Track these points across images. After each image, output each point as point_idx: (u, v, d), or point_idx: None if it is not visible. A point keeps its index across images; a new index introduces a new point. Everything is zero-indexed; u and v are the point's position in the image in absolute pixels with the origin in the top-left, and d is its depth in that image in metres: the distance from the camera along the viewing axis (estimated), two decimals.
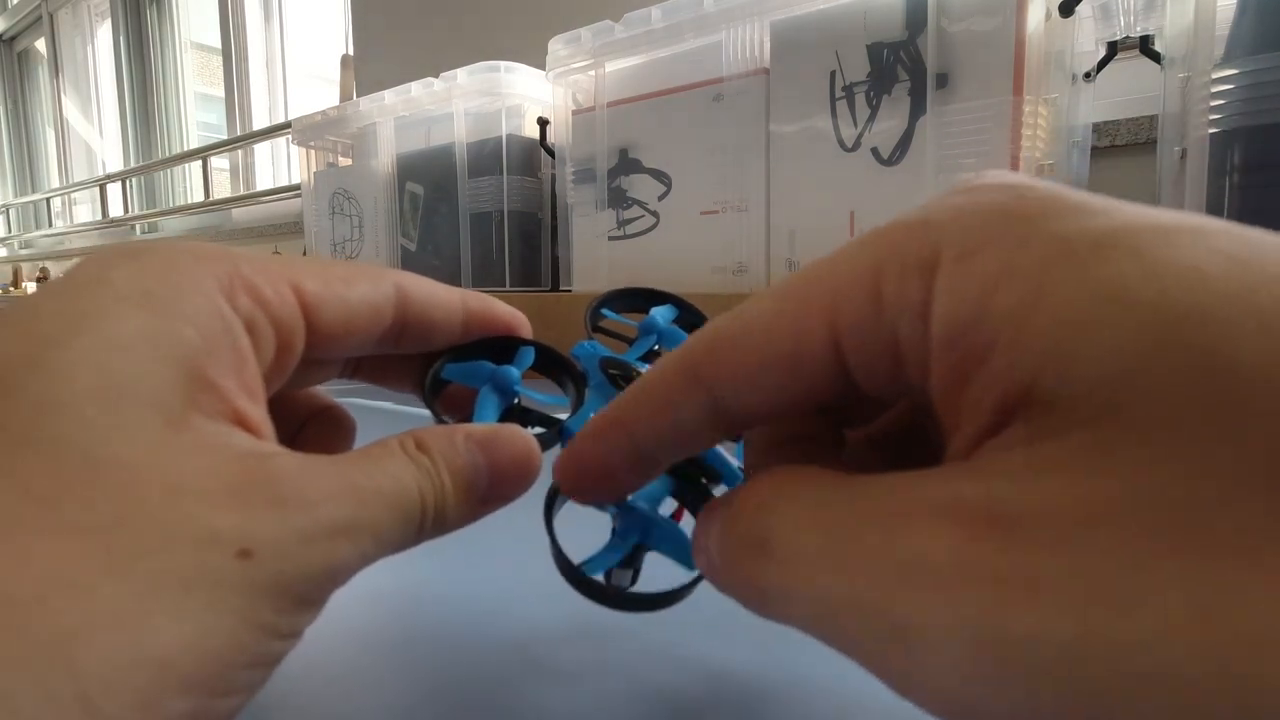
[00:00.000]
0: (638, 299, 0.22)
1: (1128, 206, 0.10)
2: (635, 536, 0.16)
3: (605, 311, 0.22)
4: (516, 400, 0.18)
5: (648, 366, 0.20)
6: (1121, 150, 0.68)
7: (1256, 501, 0.07)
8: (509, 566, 0.26)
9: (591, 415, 0.18)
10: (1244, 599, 0.07)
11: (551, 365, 0.20)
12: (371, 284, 0.17)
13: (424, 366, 0.18)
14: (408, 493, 0.14)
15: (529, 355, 0.19)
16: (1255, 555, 0.07)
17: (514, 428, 0.16)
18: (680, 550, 0.16)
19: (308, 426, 0.19)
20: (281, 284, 0.15)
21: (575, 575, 0.16)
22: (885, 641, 0.09)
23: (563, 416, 0.18)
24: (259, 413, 0.14)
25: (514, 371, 0.18)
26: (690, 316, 0.22)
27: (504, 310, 0.19)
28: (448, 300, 0.18)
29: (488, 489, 0.15)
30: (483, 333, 0.19)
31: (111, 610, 0.10)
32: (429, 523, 0.14)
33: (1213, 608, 0.07)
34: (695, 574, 0.16)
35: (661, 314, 0.22)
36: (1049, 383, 0.09)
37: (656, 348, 0.21)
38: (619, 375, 0.20)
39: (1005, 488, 0.09)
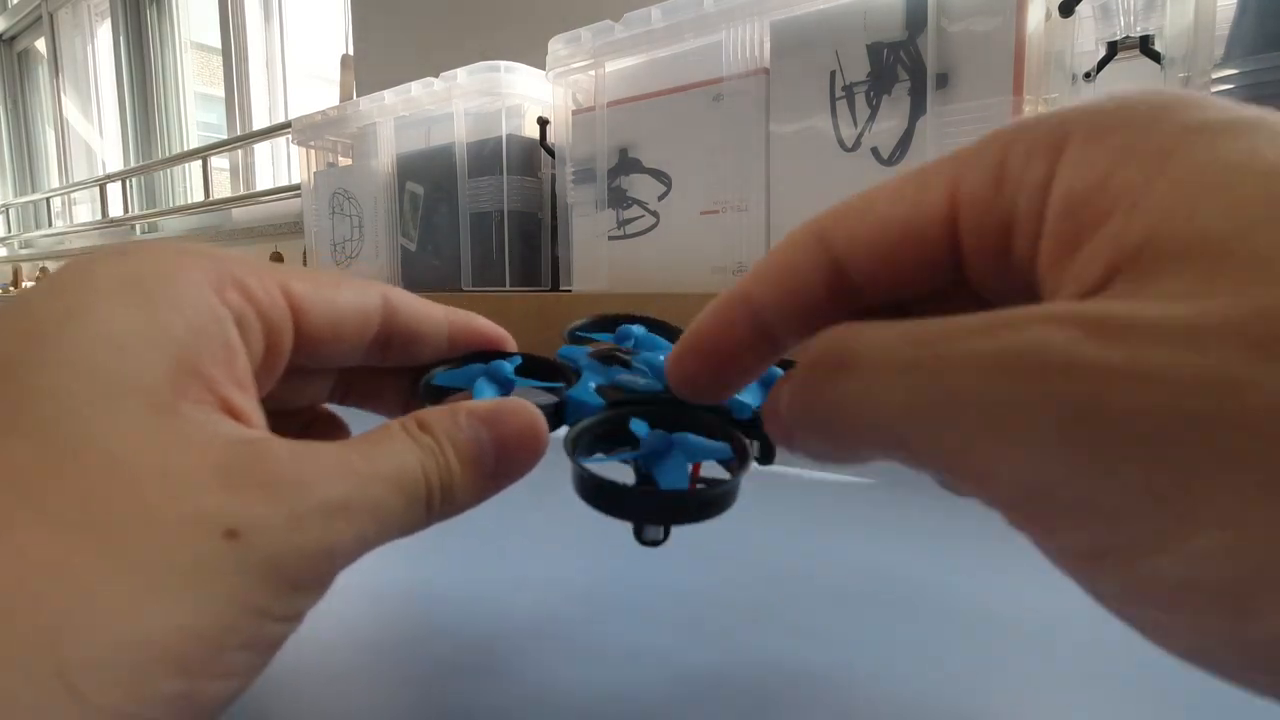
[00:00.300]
0: (608, 322, 0.23)
1: (1259, 108, 0.10)
2: (660, 448, 0.16)
3: (579, 334, 0.23)
4: (513, 391, 0.18)
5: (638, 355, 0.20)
6: None
7: None
8: (508, 566, 0.26)
9: (591, 385, 0.18)
10: None
11: (541, 370, 0.20)
12: (358, 291, 0.17)
13: (414, 381, 0.18)
14: (410, 472, 0.14)
15: (517, 364, 0.19)
16: None
17: (518, 400, 0.16)
18: (708, 451, 0.16)
19: (306, 434, 0.19)
20: (270, 284, 0.15)
21: (614, 491, 0.15)
22: (976, 434, 0.09)
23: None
24: (249, 403, 0.14)
25: (507, 365, 0.18)
26: (663, 331, 0.22)
27: (487, 324, 0.20)
28: (433, 312, 0.19)
29: (495, 464, 0.15)
30: (469, 346, 0.19)
31: (96, 594, 0.10)
32: (437, 502, 0.14)
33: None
34: (732, 476, 0.16)
35: (634, 328, 0.22)
36: (1165, 235, 0.09)
37: (632, 344, 0.21)
38: (608, 354, 0.20)
39: (1119, 305, 0.09)
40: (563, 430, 0.18)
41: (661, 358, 0.21)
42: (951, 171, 0.12)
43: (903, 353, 0.10)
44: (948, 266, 0.12)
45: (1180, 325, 0.08)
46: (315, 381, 0.19)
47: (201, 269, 0.14)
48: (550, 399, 0.18)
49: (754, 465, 0.17)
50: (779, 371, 0.18)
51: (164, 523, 0.11)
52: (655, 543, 0.17)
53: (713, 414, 0.17)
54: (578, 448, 0.17)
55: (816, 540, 0.29)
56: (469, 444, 0.15)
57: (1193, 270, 0.09)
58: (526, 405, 0.16)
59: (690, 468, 0.17)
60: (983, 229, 0.11)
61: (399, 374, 0.19)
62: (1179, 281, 0.09)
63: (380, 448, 0.14)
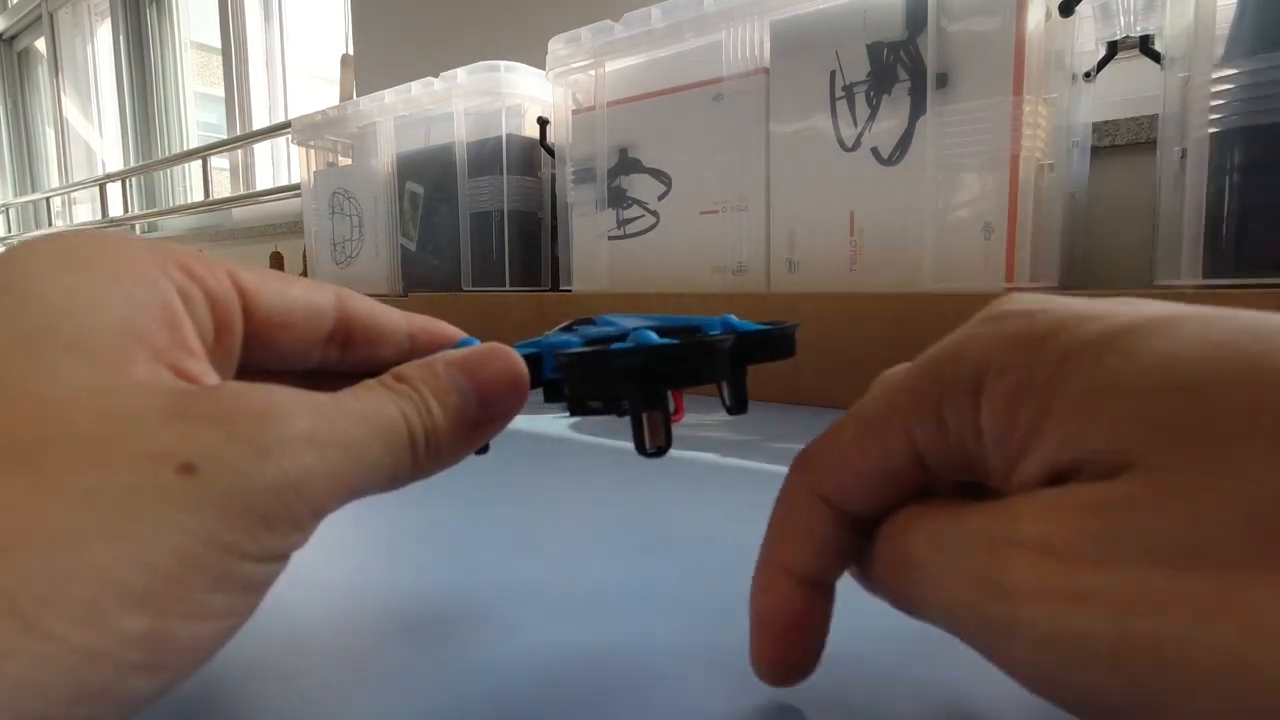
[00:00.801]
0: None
1: (1121, 307, 0.12)
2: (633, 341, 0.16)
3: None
4: None
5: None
6: (1121, 150, 0.68)
7: (1233, 532, 0.09)
8: (509, 566, 0.26)
9: (559, 339, 0.18)
10: (1237, 604, 0.09)
11: None
12: (309, 286, 0.17)
13: None
14: (387, 416, 0.14)
15: None
16: (1240, 572, 0.09)
17: (495, 344, 0.16)
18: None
19: None
20: (216, 268, 0.15)
21: (605, 355, 0.16)
22: (988, 635, 0.12)
23: None
24: (202, 367, 0.13)
25: (477, 342, 0.18)
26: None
27: (451, 327, 0.20)
28: (391, 313, 0.18)
29: (479, 411, 0.15)
30: (431, 347, 0.19)
31: (42, 527, 0.10)
32: (422, 448, 0.14)
33: (1217, 611, 0.09)
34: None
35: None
36: (1067, 459, 0.11)
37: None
38: (570, 325, 0.20)
39: (1055, 526, 0.11)
40: (546, 411, 0.18)
41: (620, 320, 0.22)
42: (904, 423, 0.14)
43: (938, 562, 0.13)
44: (929, 481, 0.14)
45: (1098, 548, 0.10)
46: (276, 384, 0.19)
47: (142, 249, 0.14)
48: (528, 352, 0.18)
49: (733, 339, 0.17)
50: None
51: (110, 460, 0.11)
52: (660, 450, 0.17)
53: (686, 333, 0.18)
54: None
55: None
56: (448, 390, 0.15)
57: (1091, 485, 0.11)
58: (504, 348, 0.16)
59: (672, 397, 0.17)
60: (945, 461, 0.14)
61: (363, 379, 0.19)
62: (1085, 493, 0.11)
63: (352, 393, 0.14)
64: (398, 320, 0.18)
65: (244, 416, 0.12)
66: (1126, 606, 0.10)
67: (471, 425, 0.15)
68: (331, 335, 0.17)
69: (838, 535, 0.15)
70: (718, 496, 0.35)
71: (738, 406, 0.19)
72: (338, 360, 0.18)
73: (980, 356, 0.13)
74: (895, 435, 0.14)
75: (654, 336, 0.17)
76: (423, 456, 0.14)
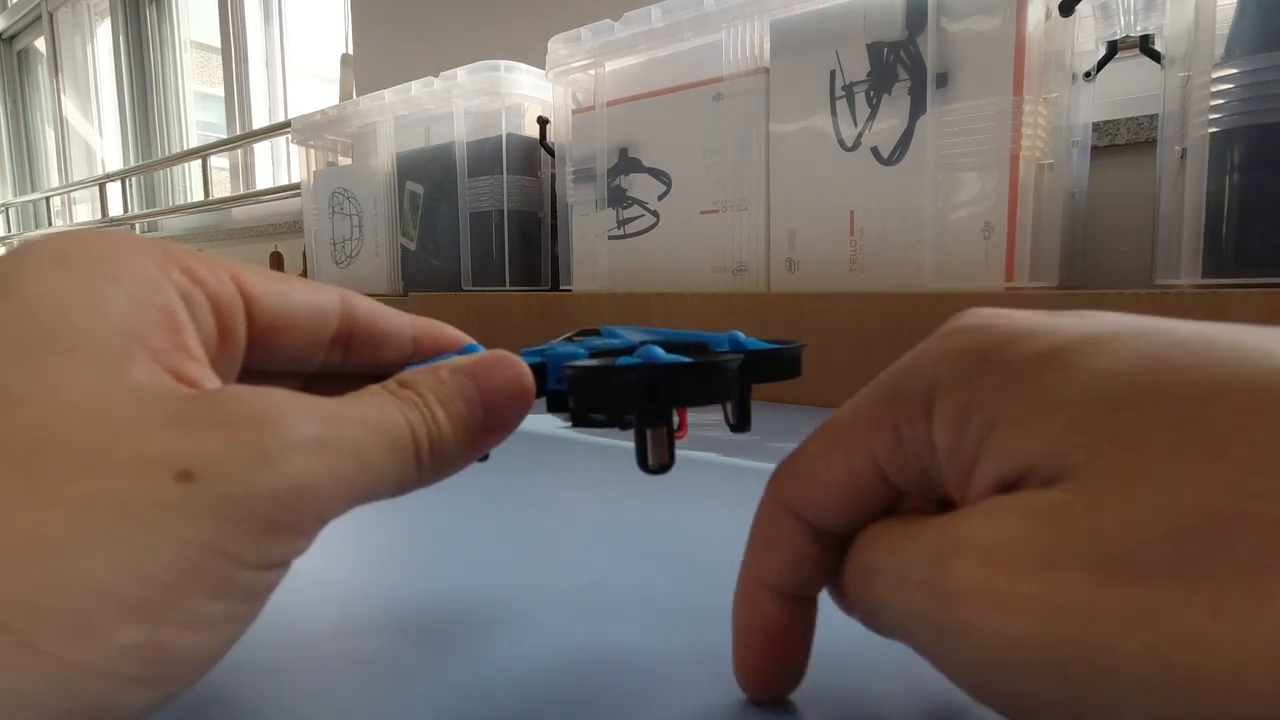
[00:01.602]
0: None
1: (1068, 322, 0.13)
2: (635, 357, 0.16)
3: None
4: None
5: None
6: (1121, 149, 0.68)
7: (1159, 541, 0.10)
8: (508, 566, 0.26)
9: (564, 349, 0.18)
10: (1161, 611, 0.10)
11: None
12: (313, 288, 0.17)
13: None
14: (392, 422, 0.14)
15: None
16: (1165, 580, 0.10)
17: (500, 352, 0.16)
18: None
19: None
20: (219, 270, 0.15)
21: (609, 371, 0.15)
22: (935, 640, 0.12)
23: None
24: (203, 371, 0.13)
25: (482, 349, 0.18)
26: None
27: (455, 330, 0.19)
28: (396, 316, 0.18)
29: (485, 417, 0.15)
30: (435, 351, 0.18)
31: (33, 537, 0.10)
32: (426, 455, 0.14)
33: (1143, 618, 0.10)
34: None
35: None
36: (1011, 470, 0.12)
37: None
38: (575, 335, 0.20)
39: (998, 532, 0.12)
40: (548, 414, 0.18)
41: (626, 333, 0.21)
42: (864, 440, 0.14)
43: (893, 570, 0.13)
44: (895, 496, 0.15)
45: (1034, 557, 0.11)
46: (278, 386, 0.19)
47: (143, 249, 0.14)
48: (532, 361, 0.18)
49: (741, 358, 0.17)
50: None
51: (106, 466, 0.11)
52: (663, 467, 0.17)
53: (692, 351, 0.18)
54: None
55: None
56: (454, 397, 0.15)
57: (1034, 495, 0.11)
58: (510, 356, 0.16)
59: (677, 414, 0.17)
60: (905, 476, 0.14)
61: (366, 382, 0.19)
62: (1026, 503, 0.11)
63: (357, 398, 0.14)
64: (402, 323, 0.18)
65: (245, 421, 0.12)
66: (1061, 613, 0.10)
67: (477, 433, 0.15)
68: (335, 338, 0.17)
69: (812, 550, 0.15)
70: (717, 496, 0.35)
71: (741, 424, 0.19)
72: (341, 363, 0.18)
73: (932, 373, 0.13)
74: (858, 451, 0.14)
75: (661, 353, 0.17)
76: (427, 463, 0.14)
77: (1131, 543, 0.10)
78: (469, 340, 0.19)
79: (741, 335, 0.20)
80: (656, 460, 0.17)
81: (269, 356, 0.16)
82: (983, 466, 0.12)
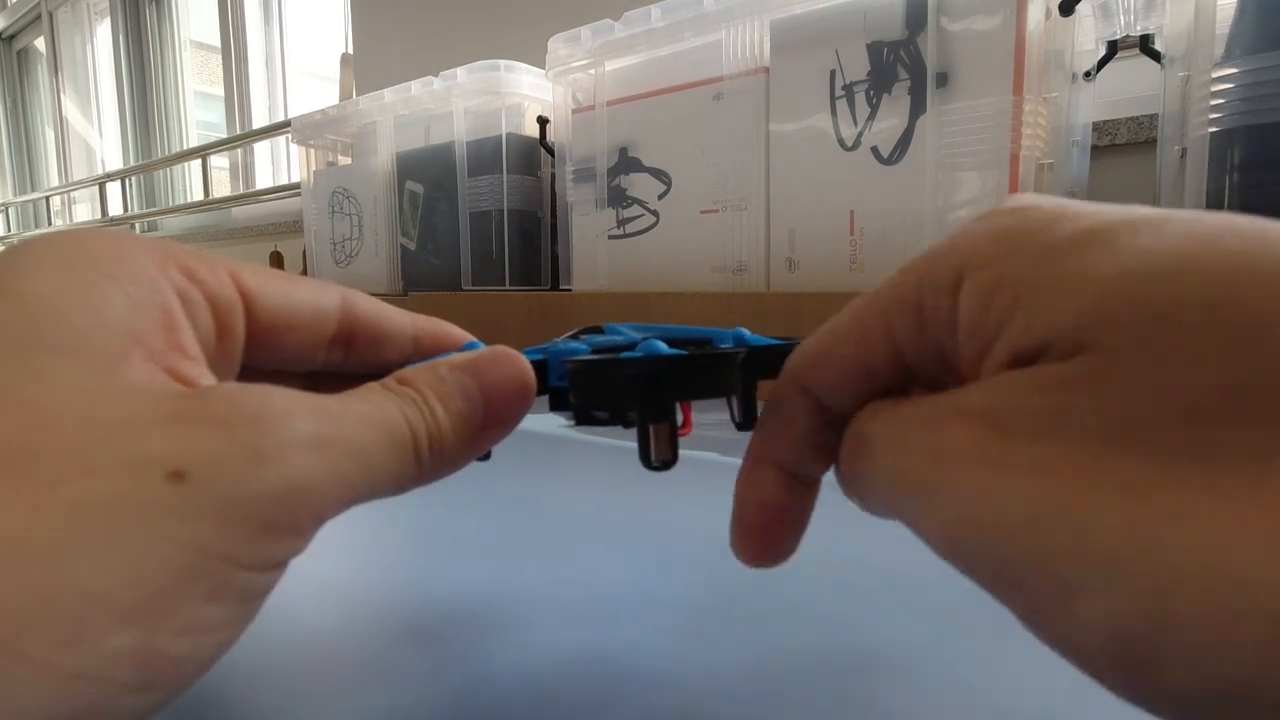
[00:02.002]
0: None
1: (1110, 207, 0.12)
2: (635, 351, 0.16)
3: None
4: None
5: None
6: (1121, 149, 0.68)
7: (1169, 418, 0.10)
8: (507, 567, 0.26)
9: (565, 346, 0.18)
10: (1157, 485, 0.09)
11: None
12: (314, 287, 0.16)
13: None
14: (389, 418, 0.13)
15: None
16: (1168, 457, 0.09)
17: (501, 348, 0.16)
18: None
19: None
20: (218, 269, 0.15)
21: (612, 364, 0.15)
22: (917, 500, 0.12)
23: None
24: (199, 370, 0.13)
25: (480, 345, 0.18)
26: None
27: (456, 329, 0.19)
28: (397, 315, 0.18)
29: (485, 414, 0.15)
30: (436, 349, 0.18)
31: (22, 542, 0.10)
32: (426, 453, 0.14)
33: (1135, 489, 0.09)
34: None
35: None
36: (1030, 342, 0.11)
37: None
38: (578, 332, 0.20)
39: (1002, 398, 0.11)
40: (552, 413, 0.17)
41: (629, 330, 0.21)
42: (884, 316, 0.14)
43: (886, 436, 0.13)
44: (903, 376, 0.15)
45: (1041, 421, 0.11)
46: (277, 385, 0.19)
47: (142, 248, 0.14)
48: (534, 358, 0.18)
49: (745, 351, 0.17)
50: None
51: (97, 468, 0.10)
52: (666, 464, 0.17)
53: (696, 345, 0.18)
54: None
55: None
56: (454, 394, 0.14)
57: (1053, 363, 0.11)
58: (511, 352, 0.16)
59: (681, 410, 0.17)
60: (922, 355, 0.14)
61: (367, 381, 0.18)
62: (1043, 372, 0.11)
63: (356, 395, 0.14)
64: (403, 322, 0.18)
65: (240, 419, 0.11)
66: (1050, 477, 0.10)
67: (477, 430, 0.15)
68: (336, 337, 0.17)
69: (819, 430, 0.15)
70: (717, 495, 0.35)
71: (746, 421, 0.19)
72: (342, 362, 0.18)
73: (966, 252, 0.13)
74: (877, 327, 0.14)
75: (664, 347, 0.16)
76: (427, 461, 0.14)
77: (1139, 416, 0.10)
78: (470, 338, 0.19)
79: (746, 332, 0.20)
80: (660, 456, 0.16)
81: (269, 355, 0.16)
82: (1002, 339, 0.12)
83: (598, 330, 0.22)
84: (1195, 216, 0.11)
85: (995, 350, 0.12)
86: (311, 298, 0.16)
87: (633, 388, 0.16)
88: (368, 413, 0.13)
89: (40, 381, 0.11)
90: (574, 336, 0.21)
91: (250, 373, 0.16)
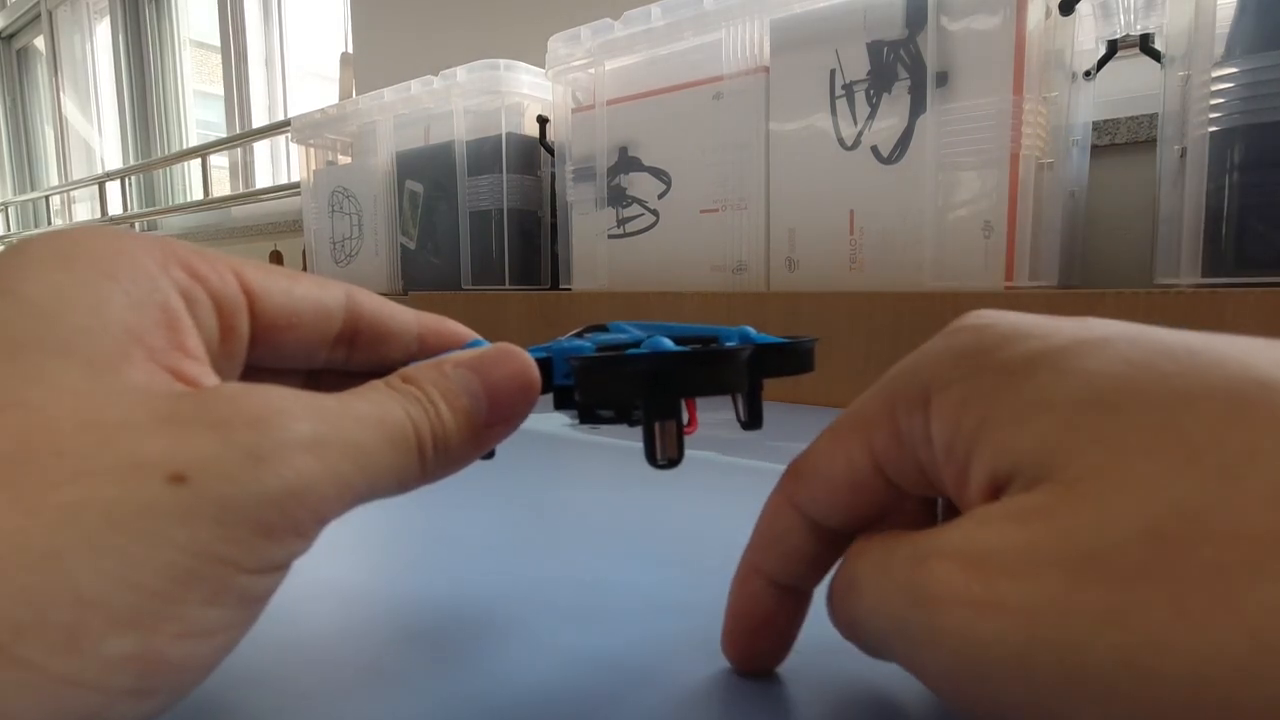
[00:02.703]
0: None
1: (1066, 325, 0.13)
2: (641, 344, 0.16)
3: None
4: None
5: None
6: (1121, 149, 0.68)
7: (1133, 542, 0.10)
8: (507, 566, 0.26)
9: (571, 344, 0.18)
10: (1133, 612, 0.09)
11: None
12: (319, 284, 0.16)
13: None
14: (394, 418, 0.13)
15: None
16: (1137, 581, 0.10)
17: (505, 345, 0.16)
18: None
19: None
20: (221, 267, 0.14)
21: (617, 360, 0.15)
22: (911, 645, 0.12)
23: None
24: (202, 370, 0.13)
25: (485, 343, 0.18)
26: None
27: (461, 327, 0.19)
28: (402, 313, 0.18)
29: (489, 412, 0.15)
30: (440, 348, 0.18)
31: (18, 546, 0.09)
32: (430, 452, 0.14)
33: (1113, 619, 0.10)
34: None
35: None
36: (1002, 468, 0.12)
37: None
38: (584, 330, 0.20)
39: (979, 535, 0.12)
40: (555, 411, 0.17)
41: (634, 329, 0.21)
42: (865, 434, 0.15)
43: (874, 580, 0.13)
44: (890, 495, 0.15)
45: (1018, 557, 0.11)
46: (280, 384, 0.18)
47: (144, 247, 0.13)
48: (539, 355, 0.18)
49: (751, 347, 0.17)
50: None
51: (95, 470, 0.10)
52: (671, 463, 0.16)
53: (701, 343, 0.18)
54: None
55: None
56: (458, 392, 0.14)
57: (1024, 494, 0.11)
58: (515, 349, 0.15)
59: (686, 408, 0.17)
60: (902, 471, 0.14)
61: (371, 379, 0.18)
62: (1015, 504, 0.11)
63: (358, 394, 0.13)
64: (408, 320, 0.18)
65: (240, 421, 0.11)
66: (1035, 614, 0.10)
67: (481, 428, 0.15)
68: (340, 335, 0.17)
69: (810, 546, 0.16)
70: (717, 494, 0.35)
71: (752, 421, 0.19)
72: (345, 360, 0.18)
73: (931, 369, 0.14)
74: (858, 446, 0.15)
75: (669, 344, 0.16)
76: (430, 461, 0.14)
77: (1105, 543, 0.10)
78: (474, 335, 0.19)
79: (752, 330, 0.20)
80: (665, 454, 0.16)
81: (273, 353, 0.16)
82: (976, 464, 0.12)
83: (602, 329, 0.22)
84: (1133, 338, 0.12)
85: (973, 472, 0.12)
86: (316, 295, 0.16)
87: (638, 384, 0.15)
88: (369, 412, 0.13)
89: (38, 383, 0.11)
90: (578, 335, 0.21)
91: (254, 371, 0.16)
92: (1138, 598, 0.10)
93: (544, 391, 0.16)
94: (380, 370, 0.16)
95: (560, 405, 0.18)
